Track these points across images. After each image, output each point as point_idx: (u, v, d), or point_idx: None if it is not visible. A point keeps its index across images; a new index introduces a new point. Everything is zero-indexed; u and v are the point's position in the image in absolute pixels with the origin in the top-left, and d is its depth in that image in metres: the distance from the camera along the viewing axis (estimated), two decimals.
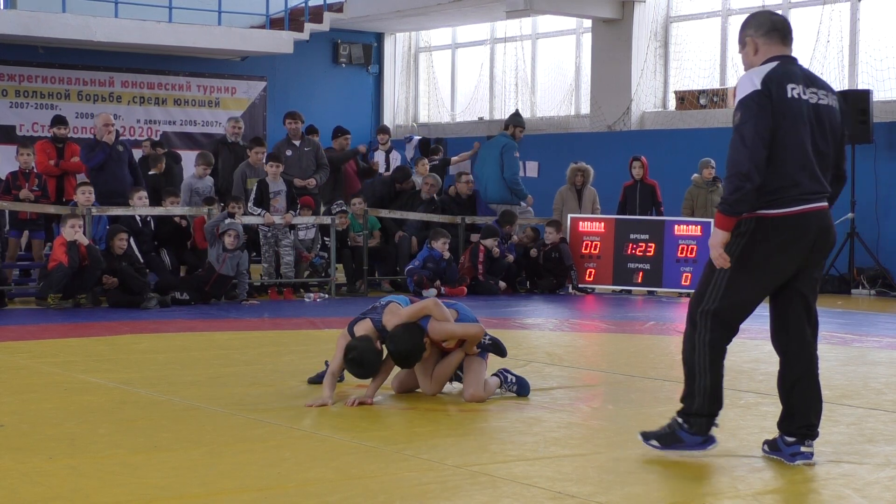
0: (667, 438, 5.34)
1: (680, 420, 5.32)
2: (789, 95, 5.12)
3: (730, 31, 18.25)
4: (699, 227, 14.97)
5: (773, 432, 6.00)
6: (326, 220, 14.67)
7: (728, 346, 5.36)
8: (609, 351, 9.73)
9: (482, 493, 4.74)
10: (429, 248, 14.67)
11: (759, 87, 5.08)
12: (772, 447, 5.42)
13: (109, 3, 18.88)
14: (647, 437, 5.42)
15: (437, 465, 5.17)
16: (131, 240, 13.08)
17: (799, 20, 17.44)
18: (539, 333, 10.81)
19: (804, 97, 5.16)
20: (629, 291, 15.44)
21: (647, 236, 15.15)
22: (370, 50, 22.89)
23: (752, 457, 5.42)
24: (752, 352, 9.50)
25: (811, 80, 5.26)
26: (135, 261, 12.97)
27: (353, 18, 21.34)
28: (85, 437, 5.69)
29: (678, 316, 12.95)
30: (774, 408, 6.73)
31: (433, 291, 14.54)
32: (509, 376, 7.06)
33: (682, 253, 14.99)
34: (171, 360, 8.52)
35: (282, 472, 5.03)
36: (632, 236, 15.31)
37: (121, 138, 15.05)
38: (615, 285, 15.40)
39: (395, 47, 23.39)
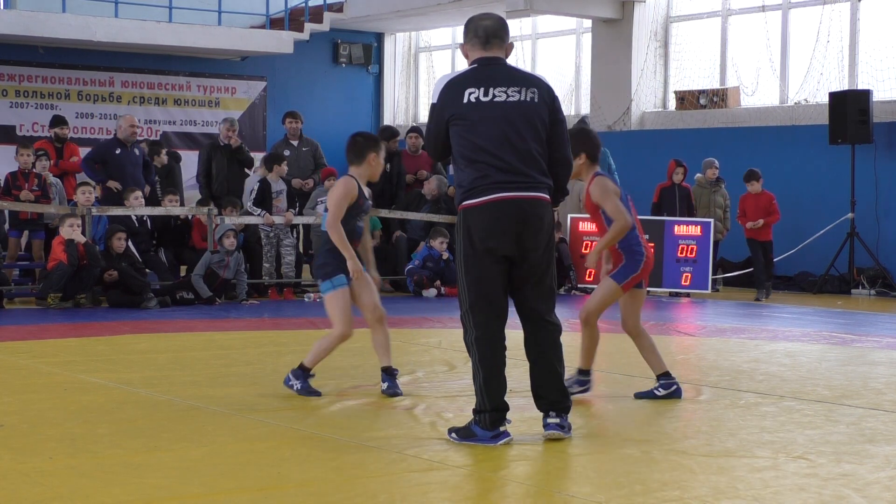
0: (463, 432, 5.65)
1: (474, 417, 5.63)
2: (465, 101, 5.56)
3: (730, 31, 18.23)
4: (699, 227, 14.96)
5: (772, 431, 6.02)
6: None
7: (502, 336, 5.65)
8: (609, 351, 9.71)
9: (482, 493, 4.74)
10: (428, 248, 14.65)
11: (435, 100, 5.65)
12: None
13: (109, 3, 18.87)
14: (450, 431, 5.72)
15: (437, 465, 5.17)
16: (129, 240, 13.07)
17: (799, 20, 17.44)
18: None
19: (484, 99, 5.55)
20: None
21: (646, 236, 15.04)
22: (370, 50, 22.88)
23: (752, 457, 5.42)
24: (752, 352, 9.51)
25: (502, 80, 5.59)
26: (135, 261, 12.97)
27: (353, 18, 21.33)
28: (85, 437, 5.69)
29: (678, 316, 12.96)
30: (775, 408, 6.75)
31: (433, 291, 14.55)
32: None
33: (682, 253, 14.97)
34: (171, 360, 8.52)
35: (282, 472, 5.03)
36: None
37: (138, 139, 15.03)
38: None
39: (395, 47, 23.38)
